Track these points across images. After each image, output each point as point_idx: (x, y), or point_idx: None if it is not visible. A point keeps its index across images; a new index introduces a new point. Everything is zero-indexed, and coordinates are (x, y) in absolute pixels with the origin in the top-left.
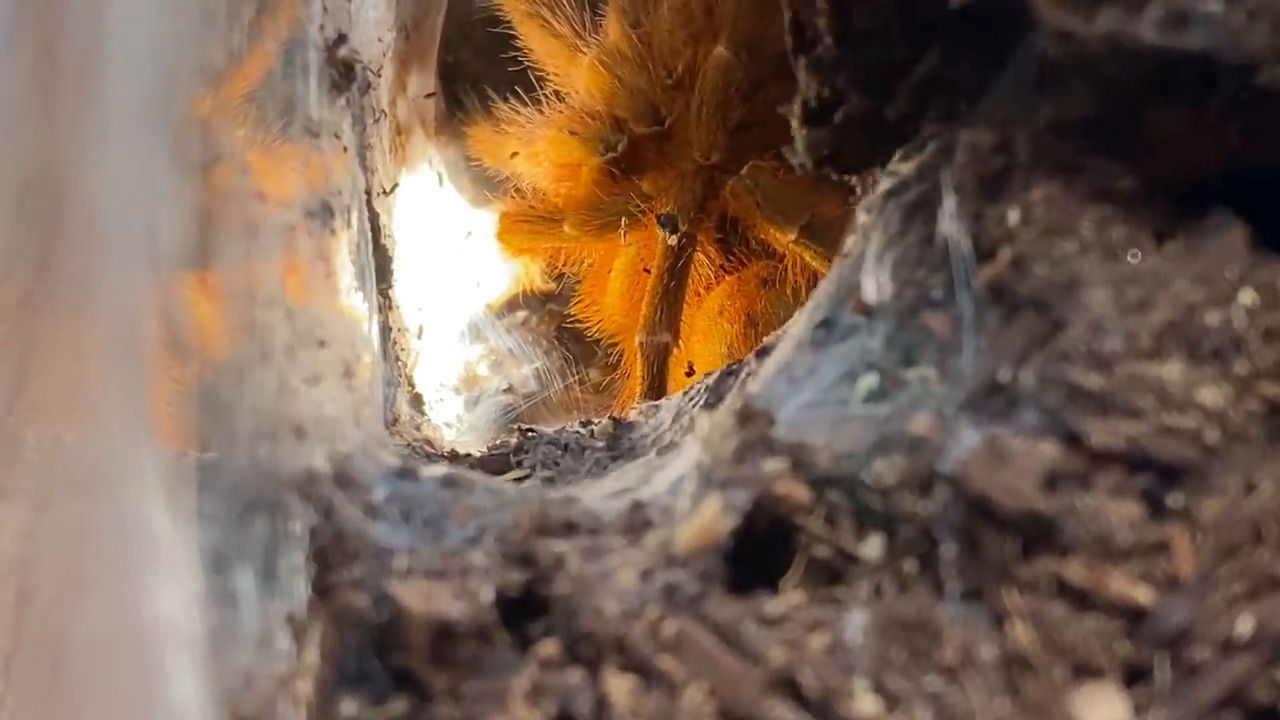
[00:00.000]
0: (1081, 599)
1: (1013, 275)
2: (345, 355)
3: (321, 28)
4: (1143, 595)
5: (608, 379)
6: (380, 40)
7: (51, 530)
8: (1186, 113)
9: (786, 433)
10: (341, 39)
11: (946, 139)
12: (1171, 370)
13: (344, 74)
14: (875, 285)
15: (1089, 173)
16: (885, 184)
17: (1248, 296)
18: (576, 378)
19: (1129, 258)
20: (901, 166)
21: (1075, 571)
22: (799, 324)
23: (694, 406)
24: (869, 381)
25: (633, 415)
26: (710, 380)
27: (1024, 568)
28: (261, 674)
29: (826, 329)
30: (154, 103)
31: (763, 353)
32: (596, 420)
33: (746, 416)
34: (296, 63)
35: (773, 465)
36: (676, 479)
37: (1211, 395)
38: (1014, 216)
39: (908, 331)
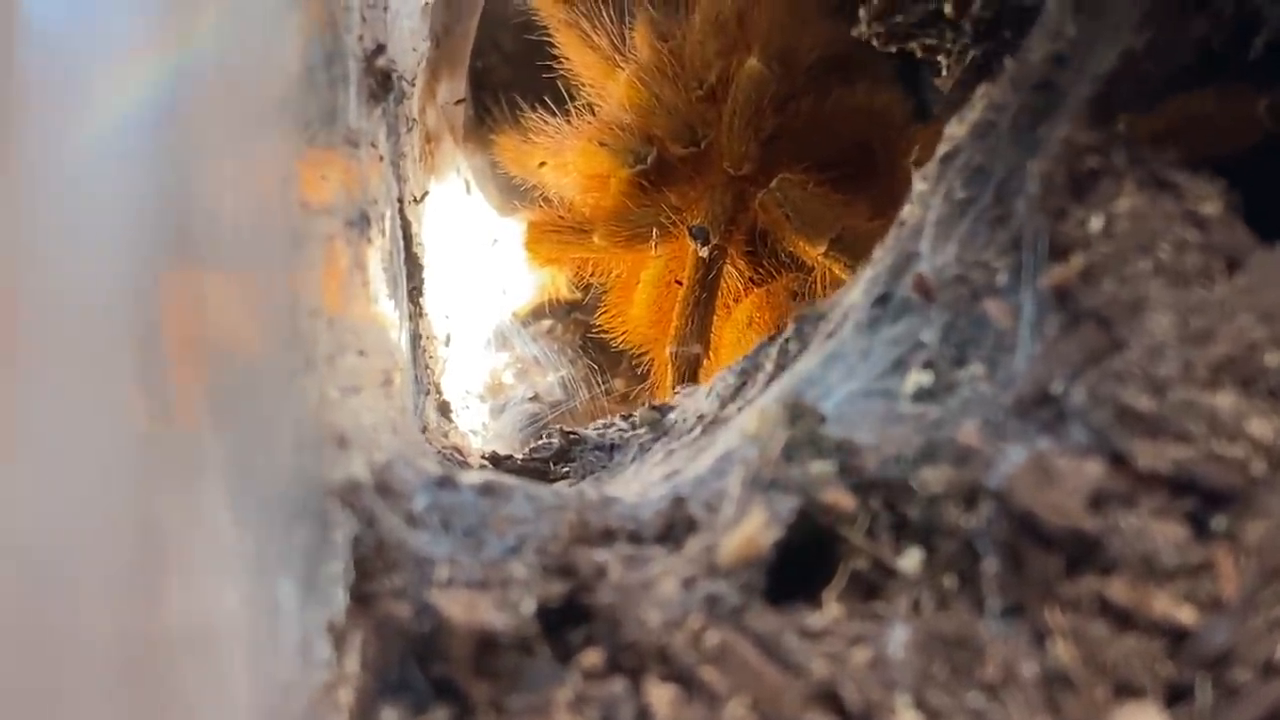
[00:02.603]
0: (1124, 618)
1: (1081, 284)
2: (384, 364)
3: (360, 38)
4: (1185, 616)
5: (635, 390)
6: (415, 50)
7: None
8: (1215, 91)
9: (834, 427)
10: (380, 49)
11: (997, 98)
12: (1224, 400)
13: (381, 84)
14: (937, 262)
15: (1176, 192)
16: (942, 149)
17: None
18: (603, 387)
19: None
20: (955, 130)
21: (1118, 590)
22: (855, 294)
23: (730, 375)
24: (921, 379)
25: (674, 399)
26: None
27: (1067, 585)
28: (303, 682)
29: (882, 306)
30: None
31: (802, 320)
32: (635, 413)
33: (796, 413)
34: (337, 72)
35: (820, 468)
36: (719, 458)
37: (1261, 428)
38: (1096, 223)
39: (964, 322)
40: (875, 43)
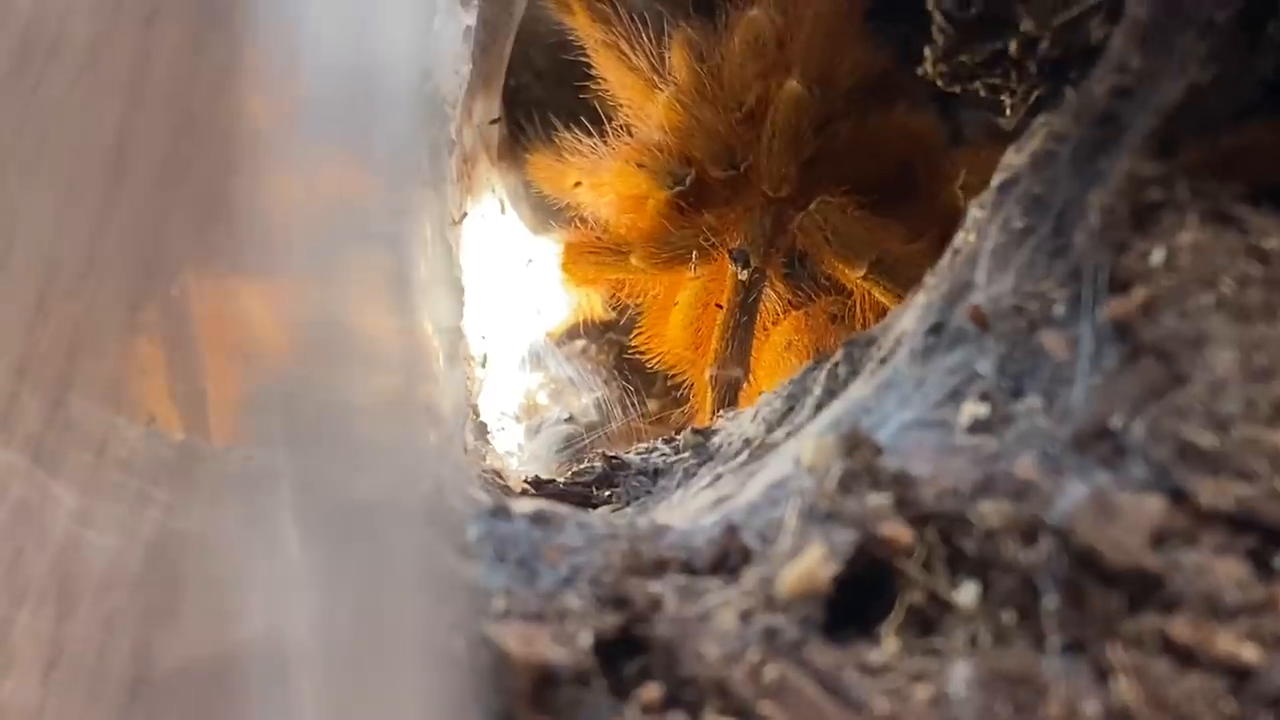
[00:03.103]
0: (1186, 656)
1: (1142, 318)
2: (431, 390)
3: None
4: (1249, 654)
5: (672, 412)
6: (457, 73)
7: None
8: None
9: (890, 459)
10: (426, 75)
11: (1058, 128)
12: None
13: (427, 108)
14: (993, 292)
15: (1239, 225)
16: (998, 177)
17: None
18: (640, 411)
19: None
20: (1013, 159)
21: (1180, 629)
22: (907, 321)
23: (776, 399)
24: (977, 410)
25: (717, 423)
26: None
27: (1129, 623)
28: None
29: (936, 334)
30: None
31: (852, 344)
32: (678, 436)
33: (853, 444)
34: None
35: (877, 501)
36: (771, 485)
37: None
38: (1158, 256)
39: (1021, 354)
40: (940, 82)
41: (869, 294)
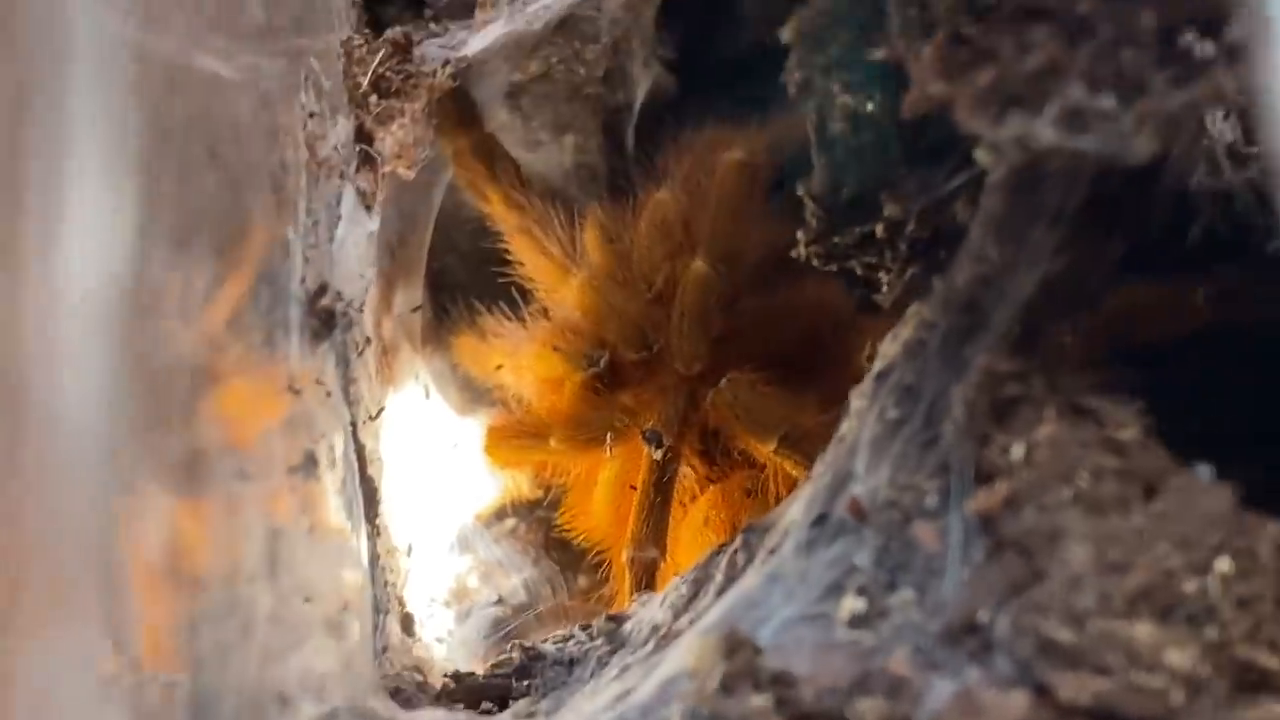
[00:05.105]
0: None
1: (1004, 512)
2: (335, 605)
3: (303, 280)
4: None
5: (601, 591)
6: (363, 277)
7: None
8: (1154, 285)
9: (772, 656)
10: (322, 290)
11: (928, 317)
12: (1142, 631)
13: (325, 322)
14: (871, 484)
15: (1095, 418)
16: (876, 366)
17: (1225, 564)
18: (571, 588)
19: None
20: (889, 348)
21: None
22: (796, 509)
23: (683, 585)
24: (855, 605)
25: (632, 608)
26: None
27: None
28: None
29: (820, 526)
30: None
31: (750, 531)
32: (594, 623)
33: (734, 646)
34: (277, 318)
35: (758, 702)
36: (663, 683)
37: (1179, 657)
38: (1018, 451)
39: (896, 546)
40: (815, 262)
41: (781, 468)
